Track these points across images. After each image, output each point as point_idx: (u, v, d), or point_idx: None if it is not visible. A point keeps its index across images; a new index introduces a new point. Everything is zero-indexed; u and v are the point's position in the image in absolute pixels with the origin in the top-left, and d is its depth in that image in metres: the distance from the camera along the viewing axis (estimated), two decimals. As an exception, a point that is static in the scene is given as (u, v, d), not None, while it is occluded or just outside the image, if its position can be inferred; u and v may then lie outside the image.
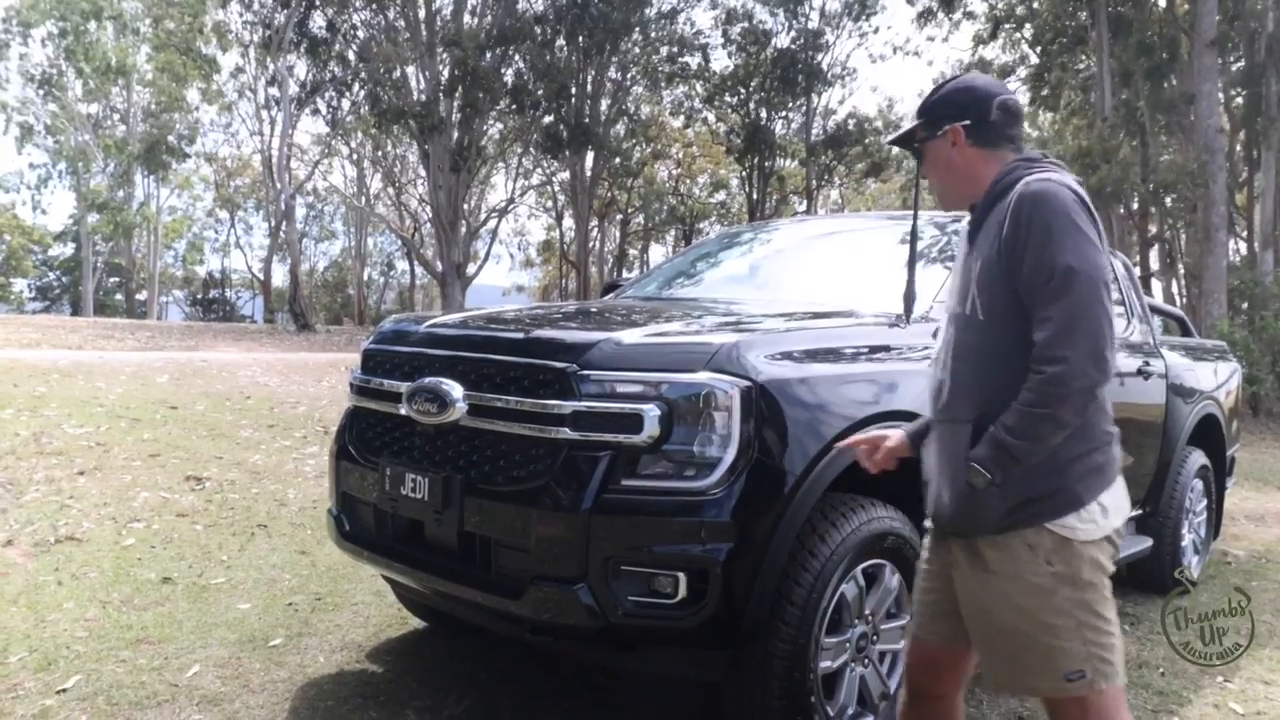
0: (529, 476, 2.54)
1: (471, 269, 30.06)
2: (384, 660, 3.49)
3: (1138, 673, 3.73)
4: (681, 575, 2.37)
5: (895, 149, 30.46)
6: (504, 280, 49.33)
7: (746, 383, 2.46)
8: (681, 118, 34.37)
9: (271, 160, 27.98)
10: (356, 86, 26.98)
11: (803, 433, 2.56)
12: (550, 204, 38.85)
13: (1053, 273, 1.78)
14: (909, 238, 3.30)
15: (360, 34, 26.50)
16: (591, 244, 36.64)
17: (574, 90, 27.48)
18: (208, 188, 45.08)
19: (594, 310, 3.42)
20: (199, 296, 52.68)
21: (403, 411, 2.85)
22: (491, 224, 34.54)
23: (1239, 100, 19.54)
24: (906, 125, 2.13)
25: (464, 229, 28.98)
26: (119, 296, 45.89)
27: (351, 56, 26.58)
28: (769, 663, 2.50)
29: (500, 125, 29.81)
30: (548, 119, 27.45)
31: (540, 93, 26.16)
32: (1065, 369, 1.76)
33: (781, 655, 2.50)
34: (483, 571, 2.63)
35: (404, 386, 2.86)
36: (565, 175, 32.32)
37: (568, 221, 36.63)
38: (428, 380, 2.77)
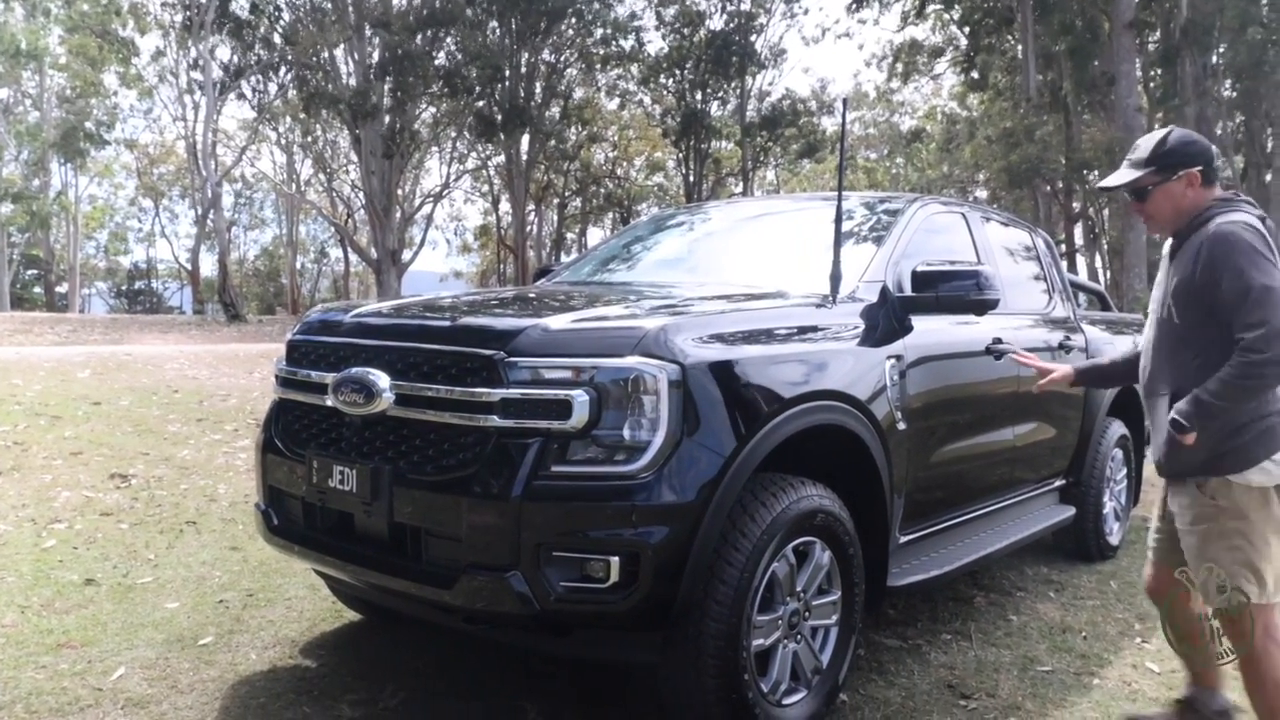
0: (459, 465, 2.51)
1: (407, 255, 29.62)
2: (318, 655, 3.44)
3: (1061, 637, 3.87)
4: (613, 559, 2.37)
5: (829, 129, 30.51)
6: (441, 266, 48.68)
7: (674, 366, 2.46)
8: (617, 100, 34.25)
9: (196, 147, 27.12)
10: (284, 70, 26.28)
11: (732, 414, 2.57)
12: (486, 188, 38.44)
13: (1250, 291, 2.36)
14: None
15: (285, 15, 25.80)
16: (529, 228, 36.38)
17: (508, 73, 27.15)
18: (130, 175, 43.64)
19: (523, 296, 3.40)
20: (123, 288, 51.02)
21: (329, 403, 2.80)
22: (427, 209, 34.05)
23: (1157, 80, 20.13)
24: (1128, 174, 2.60)
25: (398, 215, 28.51)
26: (38, 289, 44.20)
27: (278, 39, 25.86)
28: (702, 642, 2.52)
29: (433, 109, 29.33)
30: (481, 102, 27.08)
31: (473, 76, 25.80)
32: (1267, 358, 2.36)
33: (714, 635, 2.52)
34: (414, 562, 2.60)
35: (330, 378, 2.80)
36: (501, 159, 31.98)
37: (504, 206, 36.29)
38: (354, 371, 2.72)
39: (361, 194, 28.81)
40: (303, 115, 27.74)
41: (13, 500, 5.38)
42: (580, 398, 2.40)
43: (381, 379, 2.66)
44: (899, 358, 3.27)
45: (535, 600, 2.39)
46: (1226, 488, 2.52)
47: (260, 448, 3.11)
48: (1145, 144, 2.62)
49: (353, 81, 25.01)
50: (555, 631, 2.54)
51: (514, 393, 2.46)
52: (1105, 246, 24.84)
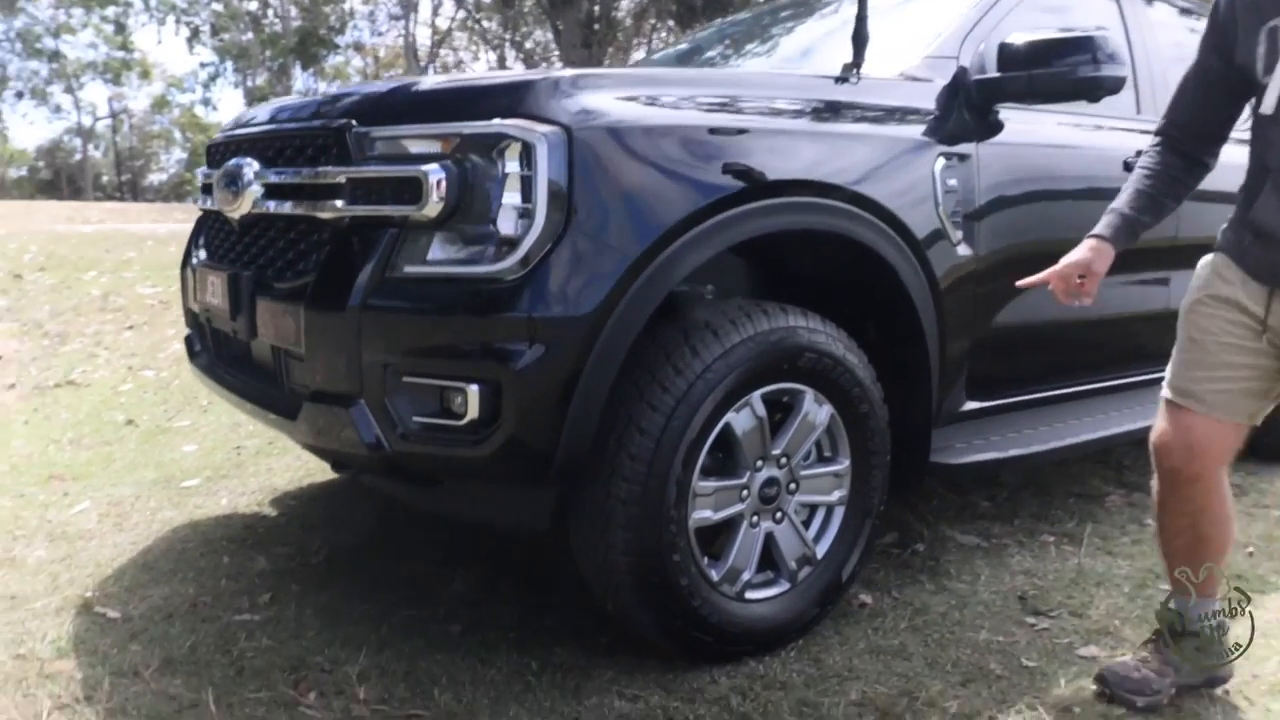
0: (307, 269, 2.00)
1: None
2: (287, 505, 3.14)
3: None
4: (470, 388, 1.79)
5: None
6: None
7: (557, 129, 1.79)
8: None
9: (412, 47, 27.96)
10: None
11: (650, 200, 1.87)
12: (693, 78, 37.28)
13: None
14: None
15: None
16: (735, 118, 35.01)
17: (710, -50, 25.72)
18: (364, 80, 46.05)
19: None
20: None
21: (212, 205, 2.37)
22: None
23: None
24: None
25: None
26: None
27: (479, -73, 25.79)
28: (610, 509, 1.91)
29: (634, -5, 28.43)
30: (682, -16, 25.89)
31: (674, -45, 24.62)
32: None
33: (626, 498, 1.89)
34: (277, 389, 2.15)
35: (215, 174, 2.36)
36: (705, 45, 30.76)
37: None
38: (229, 163, 2.25)
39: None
40: (504, 8, 27.72)
41: (127, 350, 5.54)
42: (435, 174, 1.79)
43: (250, 169, 2.17)
44: (961, 157, 2.39)
45: (383, 439, 1.87)
46: None
47: (181, 265, 2.75)
48: None
49: (550, -33, 24.58)
50: (419, 480, 2.01)
51: (363, 171, 1.90)
52: None
